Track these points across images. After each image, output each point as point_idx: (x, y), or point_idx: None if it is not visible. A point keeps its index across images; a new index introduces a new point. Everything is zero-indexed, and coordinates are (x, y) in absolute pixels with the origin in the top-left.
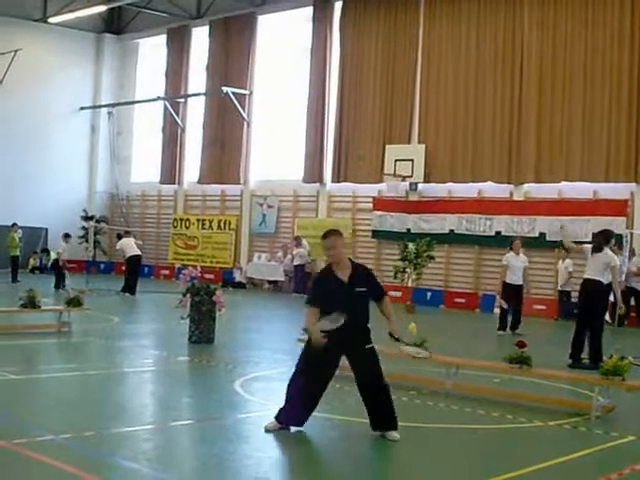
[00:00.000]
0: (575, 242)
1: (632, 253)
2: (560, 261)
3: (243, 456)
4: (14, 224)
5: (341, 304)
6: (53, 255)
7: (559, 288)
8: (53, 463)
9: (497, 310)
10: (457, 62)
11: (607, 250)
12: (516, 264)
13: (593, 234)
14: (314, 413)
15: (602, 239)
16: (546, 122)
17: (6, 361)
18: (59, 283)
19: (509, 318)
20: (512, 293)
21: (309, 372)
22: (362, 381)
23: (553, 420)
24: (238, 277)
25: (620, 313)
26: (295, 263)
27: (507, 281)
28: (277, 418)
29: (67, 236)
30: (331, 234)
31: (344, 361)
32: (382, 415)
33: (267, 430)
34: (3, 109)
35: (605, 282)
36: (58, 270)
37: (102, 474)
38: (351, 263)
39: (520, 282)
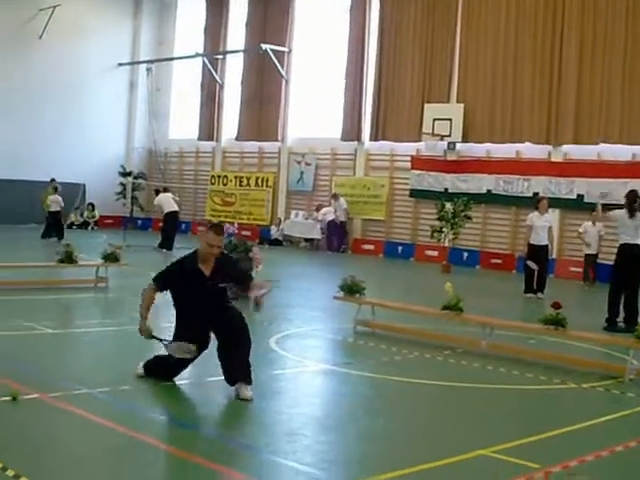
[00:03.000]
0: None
1: None
2: (590, 223)
3: (276, 412)
4: (52, 180)
5: (200, 299)
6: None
7: (590, 252)
8: (89, 416)
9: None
10: (497, 20)
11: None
12: (539, 224)
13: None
14: (348, 370)
15: (631, 199)
16: (586, 83)
17: (43, 315)
18: (55, 233)
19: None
20: (536, 254)
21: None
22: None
23: (586, 382)
24: (275, 234)
25: None
26: (328, 219)
27: (530, 242)
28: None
29: (57, 189)
30: (221, 232)
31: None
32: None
33: None
34: (42, 65)
35: None
36: (57, 221)
37: (138, 427)
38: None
39: (544, 242)
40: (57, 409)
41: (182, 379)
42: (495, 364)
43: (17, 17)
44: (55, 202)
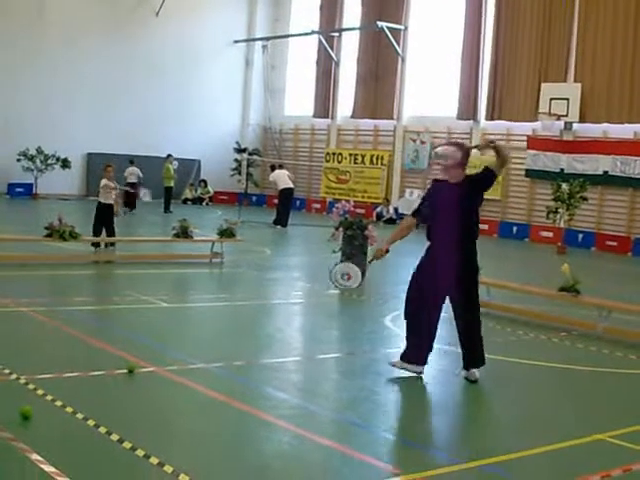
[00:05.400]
0: None
1: None
2: None
3: (391, 391)
4: (169, 155)
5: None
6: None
7: None
8: (204, 390)
9: None
10: None
11: None
12: None
13: None
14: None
15: None
16: None
17: (159, 289)
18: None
19: None
20: None
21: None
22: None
23: None
24: (386, 214)
25: None
26: None
27: None
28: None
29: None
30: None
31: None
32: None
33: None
34: (158, 41)
35: None
36: (131, 194)
37: (253, 403)
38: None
39: None
40: (173, 382)
41: (295, 355)
42: (611, 348)
43: None
44: (132, 174)
